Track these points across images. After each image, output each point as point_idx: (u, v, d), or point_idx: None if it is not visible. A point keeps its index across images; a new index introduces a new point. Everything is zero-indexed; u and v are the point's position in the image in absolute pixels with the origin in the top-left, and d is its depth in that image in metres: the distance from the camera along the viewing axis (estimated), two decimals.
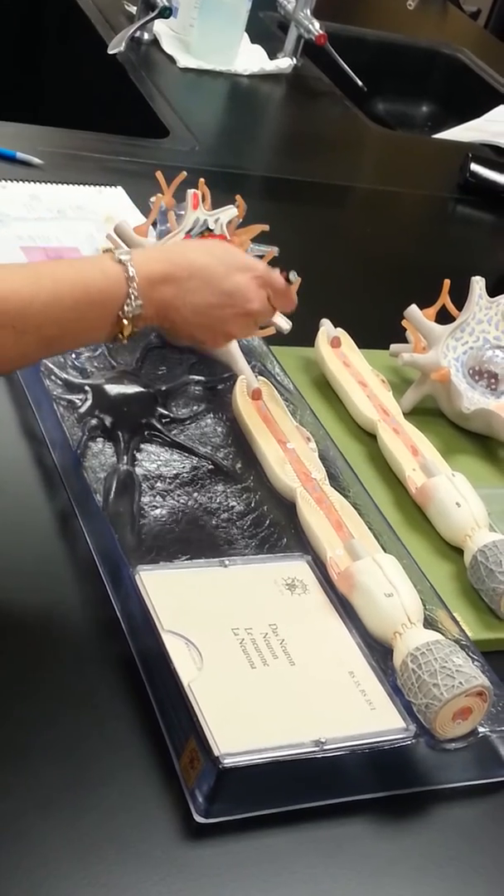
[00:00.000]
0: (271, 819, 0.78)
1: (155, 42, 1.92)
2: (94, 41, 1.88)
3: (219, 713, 0.78)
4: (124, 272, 0.88)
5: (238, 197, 1.19)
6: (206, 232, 1.14)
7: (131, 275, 0.88)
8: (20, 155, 1.46)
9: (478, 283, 1.22)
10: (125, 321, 0.88)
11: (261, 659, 0.84)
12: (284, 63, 1.99)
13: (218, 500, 0.99)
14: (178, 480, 1.00)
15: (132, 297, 0.88)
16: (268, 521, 0.99)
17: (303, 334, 1.21)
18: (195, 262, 0.93)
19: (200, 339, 0.99)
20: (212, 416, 1.09)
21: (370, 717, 0.82)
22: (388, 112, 2.32)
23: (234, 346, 1.11)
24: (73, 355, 1.09)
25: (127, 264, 0.88)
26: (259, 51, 2.00)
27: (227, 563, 0.92)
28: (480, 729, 0.84)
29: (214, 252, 0.96)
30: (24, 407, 1.07)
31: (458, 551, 1.03)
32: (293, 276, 0.99)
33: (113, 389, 1.06)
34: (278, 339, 1.17)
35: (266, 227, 1.19)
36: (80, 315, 0.87)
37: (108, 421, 1.02)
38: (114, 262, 0.88)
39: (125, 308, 0.88)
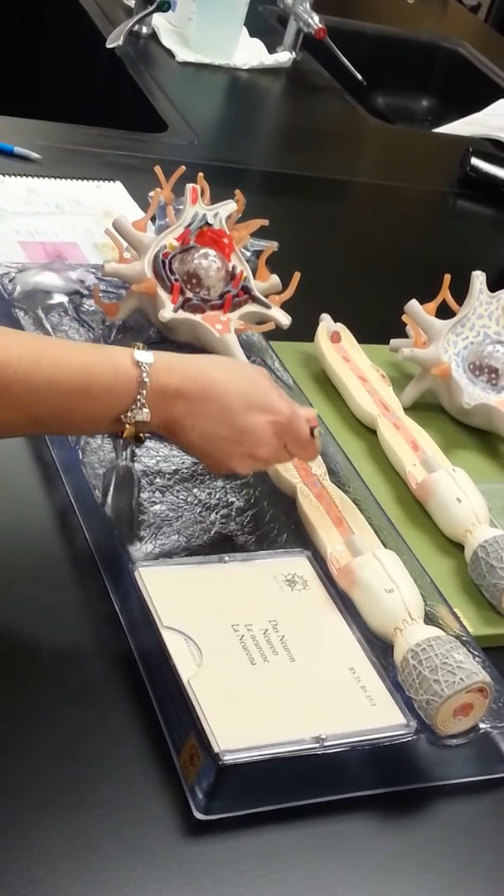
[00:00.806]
0: (271, 816, 0.78)
1: (153, 36, 1.91)
2: (93, 35, 1.88)
3: (219, 710, 0.78)
4: (138, 376, 0.83)
5: (237, 191, 1.19)
6: (205, 227, 1.14)
7: (144, 380, 0.83)
8: (18, 149, 1.46)
9: (478, 278, 1.22)
10: (127, 424, 0.84)
11: (261, 655, 0.84)
12: (284, 57, 1.99)
13: (217, 496, 0.99)
14: (177, 476, 1.00)
15: (138, 403, 0.83)
16: (268, 517, 0.98)
17: (302, 329, 1.21)
18: (216, 385, 0.87)
19: (201, 462, 0.94)
20: None
21: (371, 714, 0.82)
22: (387, 106, 2.32)
23: (233, 341, 1.10)
24: None
25: (143, 368, 0.83)
26: (258, 45, 2.00)
27: (226, 559, 0.92)
28: (481, 725, 0.83)
29: (242, 381, 0.89)
30: None
31: (459, 547, 1.03)
32: (318, 433, 0.94)
33: None
34: (278, 333, 1.17)
35: (265, 222, 1.19)
36: (76, 406, 0.82)
37: None
38: (130, 362, 0.83)
39: (128, 413, 0.83)
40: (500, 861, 0.81)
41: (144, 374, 0.83)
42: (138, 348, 0.85)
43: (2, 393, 0.78)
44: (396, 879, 0.78)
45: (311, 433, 0.93)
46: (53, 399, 0.80)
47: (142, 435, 0.86)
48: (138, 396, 0.83)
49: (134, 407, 0.83)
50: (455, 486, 1.04)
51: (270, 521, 0.98)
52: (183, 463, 1.01)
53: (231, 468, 0.91)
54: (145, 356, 0.84)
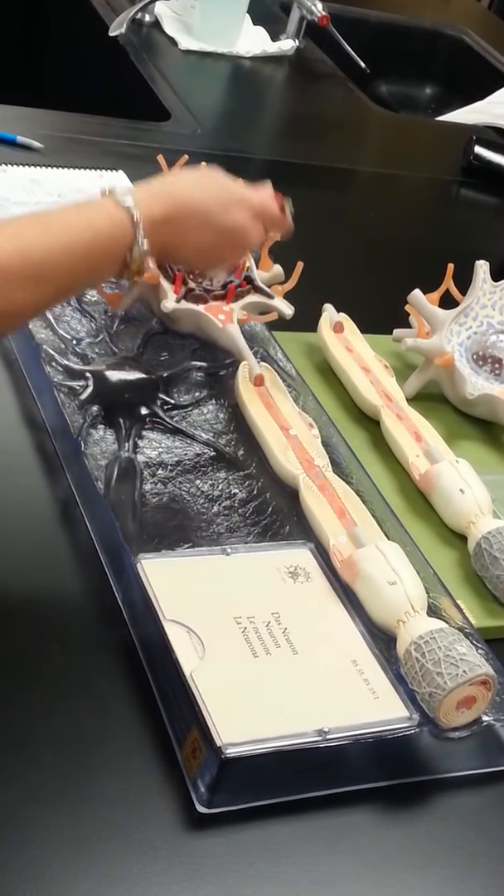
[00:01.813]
0: (274, 809, 0.78)
1: (156, 24, 1.91)
2: (95, 23, 1.87)
3: (221, 703, 0.78)
4: (129, 217, 0.89)
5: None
6: None
7: (136, 219, 0.89)
8: (20, 138, 1.45)
9: (482, 268, 1.21)
10: (132, 265, 0.90)
11: (263, 648, 0.83)
12: (287, 45, 1.98)
13: (220, 488, 0.99)
14: (179, 468, 0.99)
15: (139, 241, 0.89)
16: (270, 509, 0.98)
17: (305, 319, 1.20)
18: (193, 199, 0.95)
19: (201, 270, 1.07)
20: (214, 402, 1.08)
21: (373, 706, 0.82)
22: (391, 94, 2.31)
23: (236, 332, 1.10)
24: (74, 341, 1.08)
25: (132, 209, 0.89)
26: (261, 32, 1.99)
27: (229, 550, 0.92)
28: (484, 718, 0.83)
29: (209, 188, 0.98)
30: (25, 393, 1.06)
31: (462, 538, 1.03)
32: (288, 204, 1.04)
33: (114, 376, 1.05)
34: (281, 324, 1.16)
35: None
36: (92, 263, 0.88)
37: (109, 408, 1.01)
38: (118, 207, 0.89)
39: (133, 251, 0.89)
40: (503, 853, 0.81)
41: (135, 213, 0.89)
42: (106, 194, 0.90)
43: (39, 275, 0.83)
44: (399, 872, 0.78)
45: (282, 209, 1.03)
46: (74, 263, 0.86)
47: (140, 268, 0.91)
48: (137, 235, 0.89)
49: (136, 245, 0.89)
50: (458, 478, 1.04)
51: (273, 513, 0.98)
52: (185, 454, 1.01)
53: (226, 262, 1.05)
54: (126, 198, 0.89)
